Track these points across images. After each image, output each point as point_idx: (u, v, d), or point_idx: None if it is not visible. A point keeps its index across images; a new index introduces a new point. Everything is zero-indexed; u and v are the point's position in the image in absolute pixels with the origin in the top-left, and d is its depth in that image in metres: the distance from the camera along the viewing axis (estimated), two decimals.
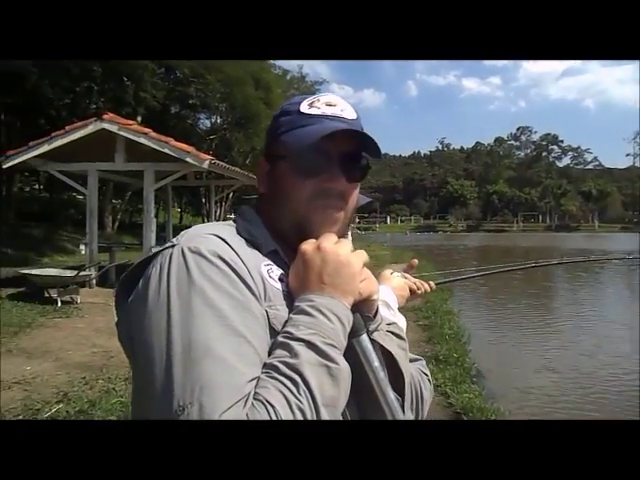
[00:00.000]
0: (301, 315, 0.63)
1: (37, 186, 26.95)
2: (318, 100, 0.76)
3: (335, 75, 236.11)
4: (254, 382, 0.57)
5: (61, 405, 3.86)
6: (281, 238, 0.75)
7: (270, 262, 0.71)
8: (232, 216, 0.83)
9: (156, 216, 25.23)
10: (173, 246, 0.65)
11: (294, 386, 0.56)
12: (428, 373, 0.91)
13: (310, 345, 0.60)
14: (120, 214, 25.15)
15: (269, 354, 0.61)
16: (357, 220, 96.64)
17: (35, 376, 4.51)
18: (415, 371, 0.86)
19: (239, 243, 0.69)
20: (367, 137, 0.73)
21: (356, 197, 0.78)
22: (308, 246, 0.69)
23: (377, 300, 0.76)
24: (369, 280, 0.73)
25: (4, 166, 8.73)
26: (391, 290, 1.34)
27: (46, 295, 7.73)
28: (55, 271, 8.66)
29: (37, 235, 18.59)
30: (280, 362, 0.59)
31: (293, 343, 0.60)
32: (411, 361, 0.87)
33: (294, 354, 0.59)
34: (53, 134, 8.43)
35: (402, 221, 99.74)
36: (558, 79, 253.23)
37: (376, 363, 0.71)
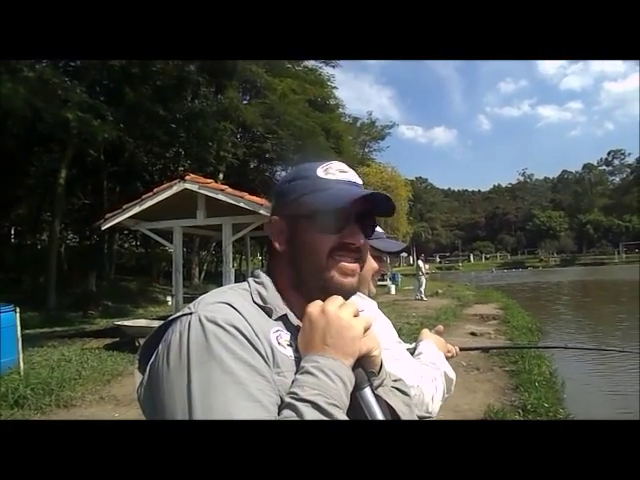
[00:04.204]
0: (306, 376, 0.68)
1: (134, 242, 29.53)
2: (331, 167, 0.83)
3: (404, 117, 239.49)
4: None
5: None
6: (291, 299, 0.80)
7: (279, 327, 0.76)
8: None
9: (239, 265, 26.31)
10: (190, 313, 0.71)
11: None
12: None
13: (314, 405, 0.64)
14: (206, 265, 26.68)
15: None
16: (438, 260, 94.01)
17: None
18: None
19: (250, 310, 0.74)
20: (387, 201, 0.80)
21: (367, 253, 0.86)
22: (314, 309, 0.74)
23: (379, 356, 0.79)
24: (368, 337, 0.75)
25: (102, 228, 9.75)
26: (433, 344, 1.43)
27: (137, 345, 8.24)
28: (144, 322, 9.29)
29: (133, 288, 20.26)
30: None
31: (298, 404, 0.65)
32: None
33: (300, 414, 0.64)
34: (143, 196, 9.30)
35: (487, 258, 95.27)
36: None
37: (379, 416, 0.72)
